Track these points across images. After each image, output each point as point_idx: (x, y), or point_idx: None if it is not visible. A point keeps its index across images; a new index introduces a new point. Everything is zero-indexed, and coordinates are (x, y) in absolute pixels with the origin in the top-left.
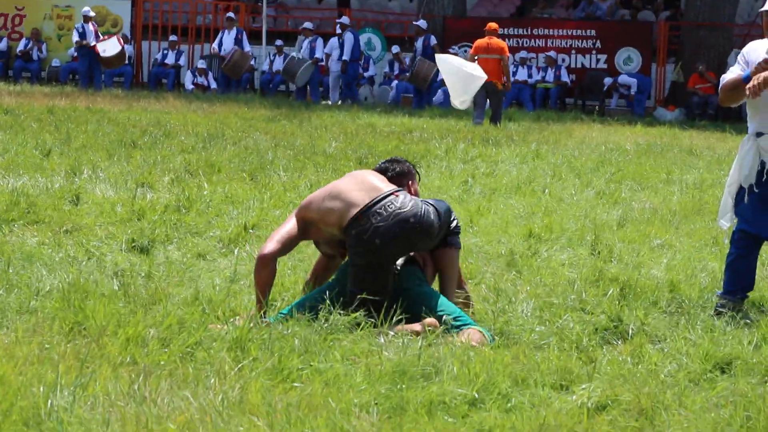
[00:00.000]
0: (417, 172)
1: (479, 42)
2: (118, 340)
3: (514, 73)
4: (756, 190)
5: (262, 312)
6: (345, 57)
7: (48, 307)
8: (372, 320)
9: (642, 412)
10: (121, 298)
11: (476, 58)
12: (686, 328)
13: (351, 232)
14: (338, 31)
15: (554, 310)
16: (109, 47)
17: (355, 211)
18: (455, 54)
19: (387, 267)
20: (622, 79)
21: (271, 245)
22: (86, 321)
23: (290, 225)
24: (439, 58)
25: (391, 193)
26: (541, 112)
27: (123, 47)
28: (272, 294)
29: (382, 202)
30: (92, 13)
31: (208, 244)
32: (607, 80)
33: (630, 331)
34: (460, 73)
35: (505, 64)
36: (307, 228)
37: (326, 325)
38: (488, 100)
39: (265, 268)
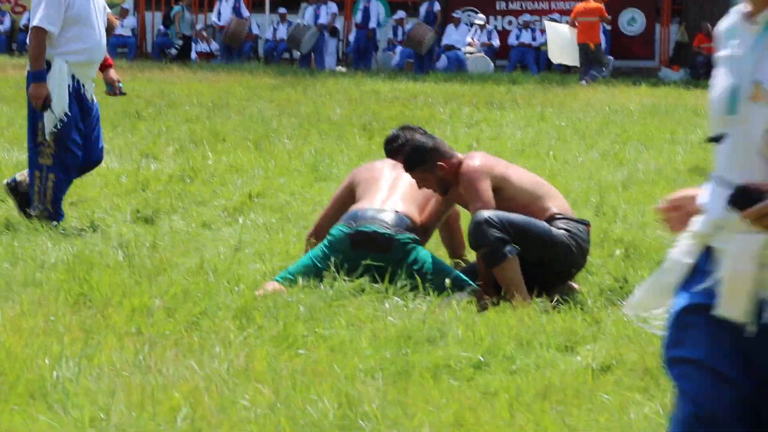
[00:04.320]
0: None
1: (578, 6)
2: (123, 311)
3: (518, 36)
4: None
5: None
6: (372, 24)
7: (53, 279)
8: (376, 285)
9: (647, 371)
10: (126, 269)
11: (576, 21)
12: None
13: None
14: None
15: None
16: None
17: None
18: (459, 18)
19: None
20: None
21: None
22: (91, 292)
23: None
24: (548, 24)
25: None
26: (545, 75)
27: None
28: (279, 263)
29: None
30: None
31: (213, 214)
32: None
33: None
34: (568, 37)
35: (606, 23)
36: None
37: (331, 291)
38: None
39: None
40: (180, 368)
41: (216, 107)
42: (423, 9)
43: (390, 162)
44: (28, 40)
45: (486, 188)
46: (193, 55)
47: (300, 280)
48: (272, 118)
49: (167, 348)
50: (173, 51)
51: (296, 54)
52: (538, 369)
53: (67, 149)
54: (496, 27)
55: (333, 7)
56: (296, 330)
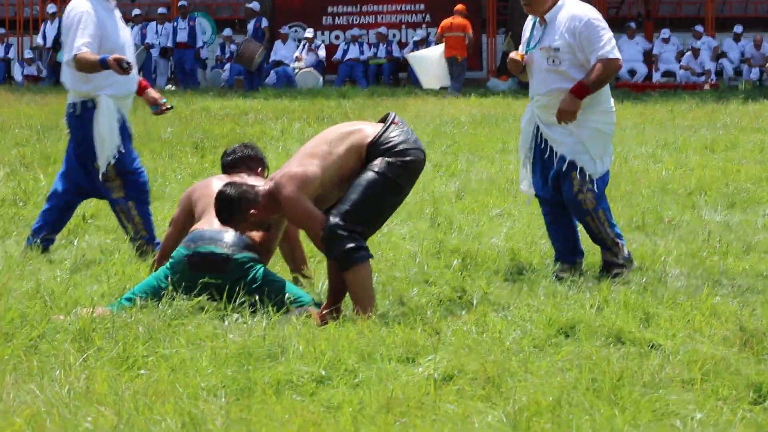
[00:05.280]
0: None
1: (445, 21)
2: None
3: (346, 51)
4: (529, 155)
5: None
6: (199, 44)
7: None
8: (216, 303)
9: (488, 380)
10: None
11: (444, 36)
12: (529, 294)
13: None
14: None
15: (397, 285)
16: None
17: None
18: (286, 34)
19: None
20: None
21: None
22: None
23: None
24: (411, 56)
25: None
26: (374, 89)
27: None
28: (116, 284)
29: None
30: None
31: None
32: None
33: (473, 301)
34: (435, 61)
35: (470, 40)
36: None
37: (170, 310)
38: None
39: None
40: (20, 393)
41: (45, 129)
42: (251, 26)
43: (225, 178)
44: (65, 77)
45: (310, 209)
46: (19, 77)
47: (138, 300)
48: None
49: (6, 373)
50: None
51: None
52: (380, 381)
53: (132, 173)
54: (324, 42)
55: (169, 29)
56: (136, 350)
